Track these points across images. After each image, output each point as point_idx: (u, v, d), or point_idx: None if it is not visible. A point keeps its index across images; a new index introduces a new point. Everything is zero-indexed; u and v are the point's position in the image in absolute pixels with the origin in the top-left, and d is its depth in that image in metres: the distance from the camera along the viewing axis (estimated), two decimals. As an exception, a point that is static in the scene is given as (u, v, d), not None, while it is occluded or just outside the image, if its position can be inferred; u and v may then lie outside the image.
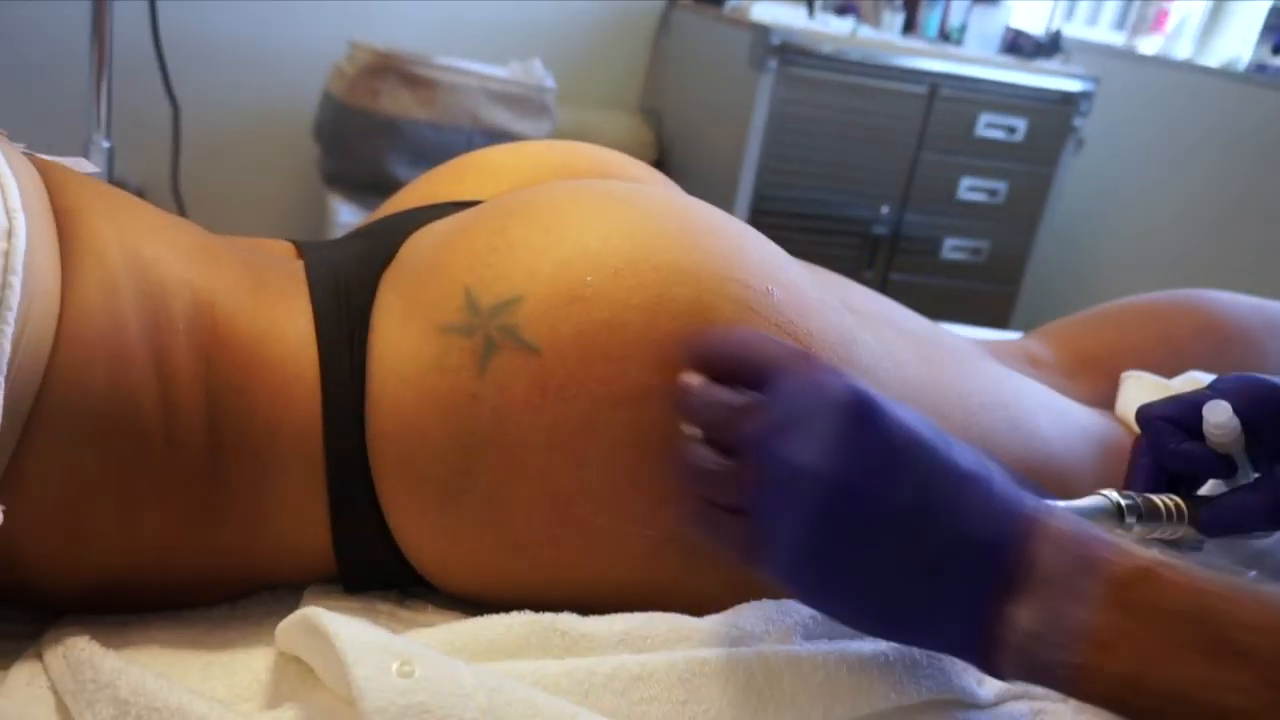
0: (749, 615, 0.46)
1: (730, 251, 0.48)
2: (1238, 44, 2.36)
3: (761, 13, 2.22)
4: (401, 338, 0.47)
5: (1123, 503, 0.49)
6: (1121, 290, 0.96)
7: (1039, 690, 0.46)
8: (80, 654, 0.41)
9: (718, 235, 0.49)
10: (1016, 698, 0.45)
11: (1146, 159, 2.31)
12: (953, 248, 2.29)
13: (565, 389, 0.44)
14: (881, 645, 0.43)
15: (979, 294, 2.35)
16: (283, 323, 0.48)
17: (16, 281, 0.38)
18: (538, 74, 2.11)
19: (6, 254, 0.38)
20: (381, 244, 0.53)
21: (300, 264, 0.52)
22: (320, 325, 0.49)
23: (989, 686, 0.44)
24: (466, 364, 0.45)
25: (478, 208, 0.53)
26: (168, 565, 0.46)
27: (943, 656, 0.44)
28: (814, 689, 0.41)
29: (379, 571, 0.50)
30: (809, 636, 0.44)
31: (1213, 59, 2.34)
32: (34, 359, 0.40)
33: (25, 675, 0.42)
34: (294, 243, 0.57)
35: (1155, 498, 0.50)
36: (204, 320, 0.46)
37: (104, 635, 0.43)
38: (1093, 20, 2.82)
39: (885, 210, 2.22)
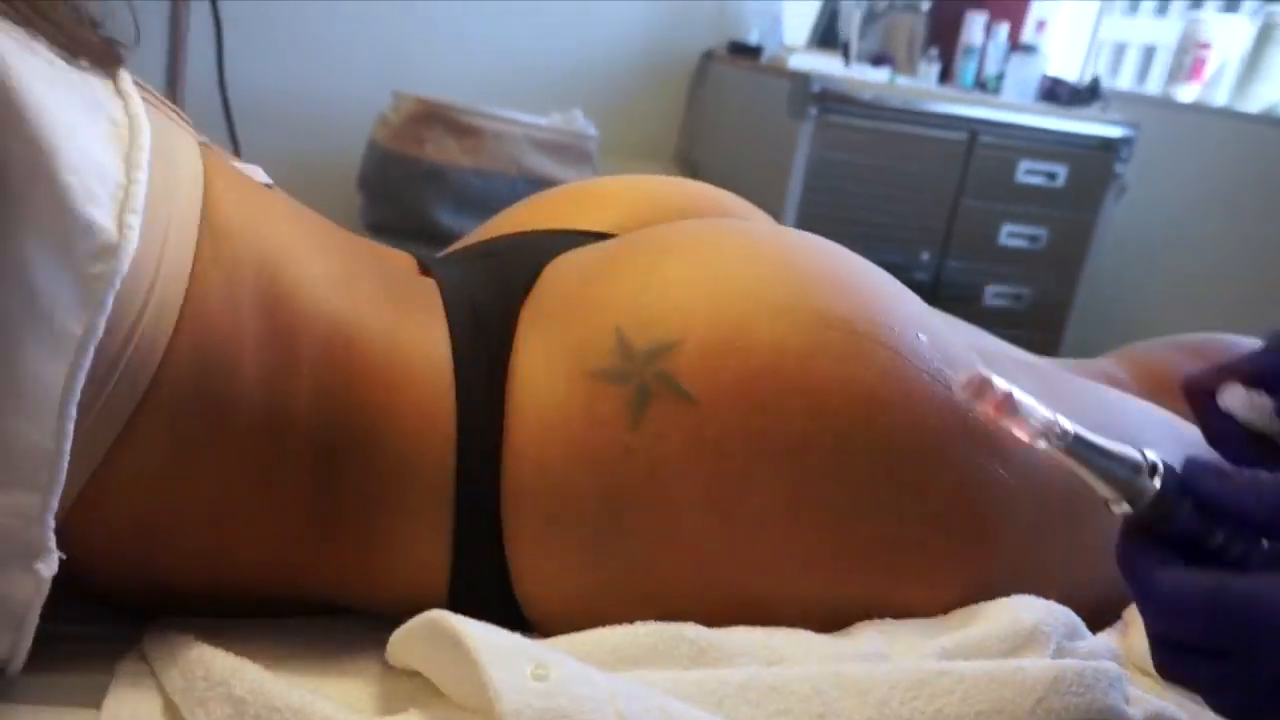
0: (871, 633, 0.44)
1: (881, 297, 0.47)
2: (1277, 90, 2.37)
3: (799, 62, 2.24)
4: (547, 382, 0.45)
5: None
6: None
7: (1189, 706, 0.44)
8: (190, 652, 0.40)
9: (866, 279, 0.48)
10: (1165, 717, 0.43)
11: (1188, 205, 2.30)
12: (994, 294, 2.28)
13: (722, 442, 0.43)
14: (1023, 662, 0.41)
15: (1021, 340, 2.31)
16: (422, 345, 0.46)
17: (135, 221, 0.37)
18: (579, 123, 2.13)
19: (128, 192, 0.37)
20: (514, 269, 0.51)
21: (431, 282, 0.51)
22: (458, 351, 0.46)
23: (1138, 707, 0.42)
24: (619, 413, 0.43)
25: (621, 241, 0.52)
26: (269, 579, 0.45)
27: (1089, 672, 0.41)
28: (955, 704, 0.39)
29: (488, 618, 0.48)
30: (944, 657, 0.42)
31: (1252, 105, 2.34)
32: (155, 328, 0.38)
33: (129, 677, 0.41)
34: (413, 256, 0.56)
35: None
36: (337, 355, 0.44)
37: (207, 636, 0.42)
38: (1118, 68, 2.83)
39: (925, 257, 2.21)
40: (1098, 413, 0.60)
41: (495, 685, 0.34)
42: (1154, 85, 2.68)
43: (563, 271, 0.50)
